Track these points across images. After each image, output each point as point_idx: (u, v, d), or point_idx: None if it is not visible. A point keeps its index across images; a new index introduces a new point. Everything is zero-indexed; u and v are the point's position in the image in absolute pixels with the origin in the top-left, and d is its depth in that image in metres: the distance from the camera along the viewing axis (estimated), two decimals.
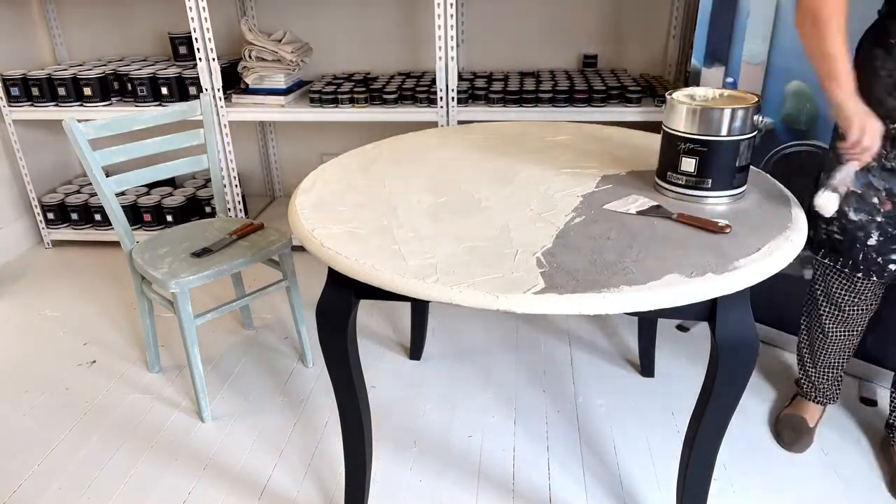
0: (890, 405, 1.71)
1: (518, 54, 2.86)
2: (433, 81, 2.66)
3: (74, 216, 2.97)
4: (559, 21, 2.78)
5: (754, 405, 1.91)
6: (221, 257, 1.85)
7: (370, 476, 1.55)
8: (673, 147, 1.32)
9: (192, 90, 2.67)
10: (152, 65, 2.82)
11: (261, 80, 2.65)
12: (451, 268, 1.08)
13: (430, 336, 2.28)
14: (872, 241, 1.48)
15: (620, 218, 1.26)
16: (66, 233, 3.00)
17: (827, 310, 1.67)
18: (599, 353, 2.17)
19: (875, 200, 1.45)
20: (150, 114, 1.92)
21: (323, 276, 2.70)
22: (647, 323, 1.97)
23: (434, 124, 2.62)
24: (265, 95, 2.66)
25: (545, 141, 1.74)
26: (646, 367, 2.04)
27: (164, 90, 2.67)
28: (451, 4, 2.31)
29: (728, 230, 1.18)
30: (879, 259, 1.49)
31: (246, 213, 2.97)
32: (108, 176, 1.85)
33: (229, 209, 2.83)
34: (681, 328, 2.30)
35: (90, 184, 3.12)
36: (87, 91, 2.70)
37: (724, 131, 1.25)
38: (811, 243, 1.59)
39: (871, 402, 1.89)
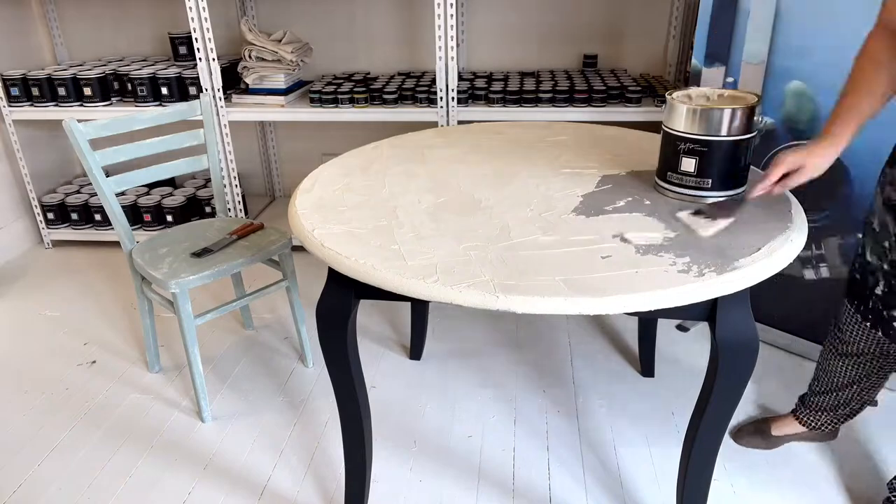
0: None
1: (518, 54, 2.86)
2: (433, 81, 2.66)
3: (74, 216, 2.97)
4: (559, 21, 2.78)
5: (754, 405, 1.91)
6: (221, 257, 1.85)
7: (370, 476, 1.55)
8: (673, 147, 1.32)
9: (192, 90, 2.67)
10: (152, 65, 2.82)
11: (261, 80, 2.65)
12: (451, 268, 1.08)
13: (430, 336, 2.28)
14: (879, 291, 1.34)
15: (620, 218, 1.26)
16: (66, 233, 3.00)
17: (838, 345, 1.54)
18: (599, 353, 2.17)
19: (886, 245, 1.31)
20: (150, 114, 1.92)
21: (323, 276, 2.70)
22: (647, 323, 1.97)
23: (434, 124, 2.62)
24: (265, 95, 2.66)
25: (545, 141, 1.74)
26: (646, 367, 2.04)
27: (164, 90, 2.67)
28: (451, 4, 2.31)
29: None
30: (884, 312, 1.33)
31: (246, 213, 2.97)
32: (108, 176, 1.85)
33: (229, 209, 2.83)
34: (681, 328, 2.30)
35: (90, 184, 3.12)
36: (87, 91, 2.70)
37: (724, 131, 1.25)
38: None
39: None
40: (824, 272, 1.98)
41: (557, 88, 2.48)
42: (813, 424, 1.70)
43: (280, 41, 2.63)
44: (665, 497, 1.61)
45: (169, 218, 2.89)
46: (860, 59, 1.23)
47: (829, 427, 1.70)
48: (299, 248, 2.83)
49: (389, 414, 1.91)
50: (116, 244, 3.05)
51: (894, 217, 1.28)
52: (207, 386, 2.05)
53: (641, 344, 2.02)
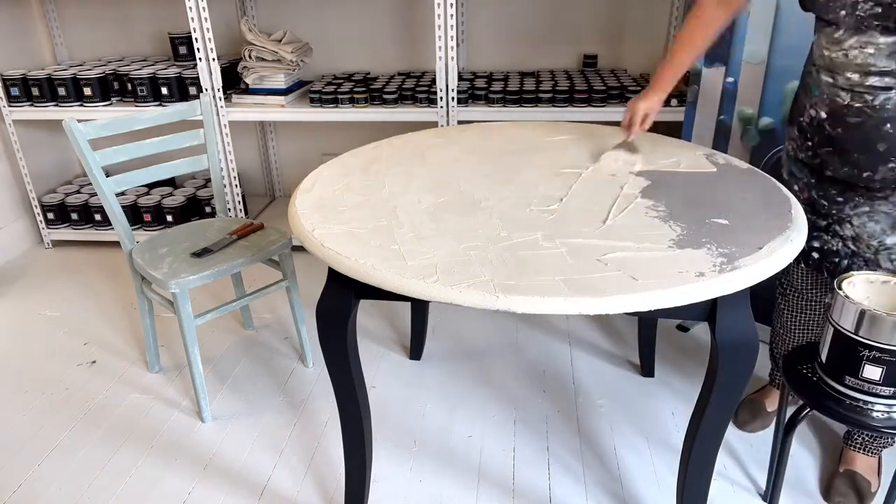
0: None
1: (518, 54, 2.86)
2: (433, 81, 2.66)
3: (74, 216, 2.97)
4: (559, 21, 2.78)
5: None
6: (221, 257, 1.85)
7: (370, 476, 1.55)
8: (854, 353, 1.22)
9: (192, 90, 2.67)
10: (152, 65, 2.82)
11: (261, 80, 2.65)
12: (451, 268, 1.08)
13: (430, 336, 2.28)
14: None
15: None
16: (66, 233, 3.00)
17: (781, 296, 1.72)
18: (599, 353, 2.17)
19: (796, 188, 1.51)
20: (150, 114, 1.92)
21: (323, 276, 2.70)
22: (647, 323, 1.97)
23: (434, 124, 2.62)
24: (265, 95, 2.66)
25: (545, 141, 1.74)
26: (646, 367, 2.04)
27: (164, 90, 2.67)
28: (451, 4, 2.31)
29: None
30: (804, 247, 1.52)
31: (246, 213, 2.97)
32: (108, 176, 1.85)
33: (229, 209, 2.83)
34: (681, 328, 2.30)
35: (90, 184, 3.12)
36: (87, 91, 2.70)
37: None
38: None
39: None
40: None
41: (557, 88, 2.48)
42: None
43: (280, 41, 2.63)
44: (665, 497, 1.61)
45: (169, 218, 2.89)
46: (691, 21, 1.50)
47: None
48: (299, 248, 2.83)
49: (389, 414, 1.91)
50: (116, 244, 3.05)
51: (798, 167, 1.49)
52: (207, 386, 2.05)
53: (641, 344, 2.02)
